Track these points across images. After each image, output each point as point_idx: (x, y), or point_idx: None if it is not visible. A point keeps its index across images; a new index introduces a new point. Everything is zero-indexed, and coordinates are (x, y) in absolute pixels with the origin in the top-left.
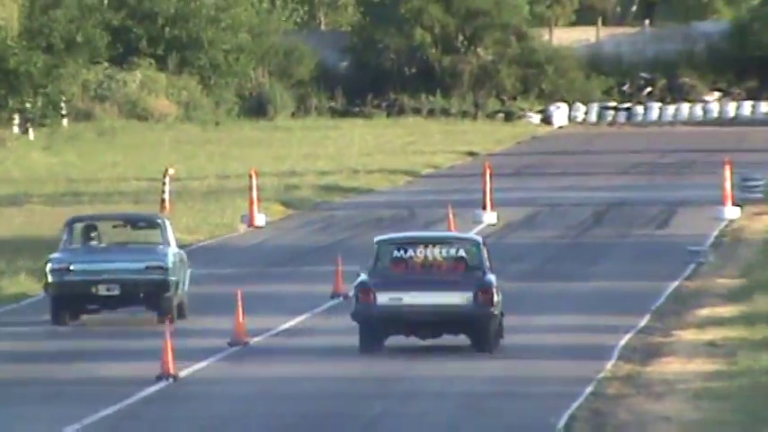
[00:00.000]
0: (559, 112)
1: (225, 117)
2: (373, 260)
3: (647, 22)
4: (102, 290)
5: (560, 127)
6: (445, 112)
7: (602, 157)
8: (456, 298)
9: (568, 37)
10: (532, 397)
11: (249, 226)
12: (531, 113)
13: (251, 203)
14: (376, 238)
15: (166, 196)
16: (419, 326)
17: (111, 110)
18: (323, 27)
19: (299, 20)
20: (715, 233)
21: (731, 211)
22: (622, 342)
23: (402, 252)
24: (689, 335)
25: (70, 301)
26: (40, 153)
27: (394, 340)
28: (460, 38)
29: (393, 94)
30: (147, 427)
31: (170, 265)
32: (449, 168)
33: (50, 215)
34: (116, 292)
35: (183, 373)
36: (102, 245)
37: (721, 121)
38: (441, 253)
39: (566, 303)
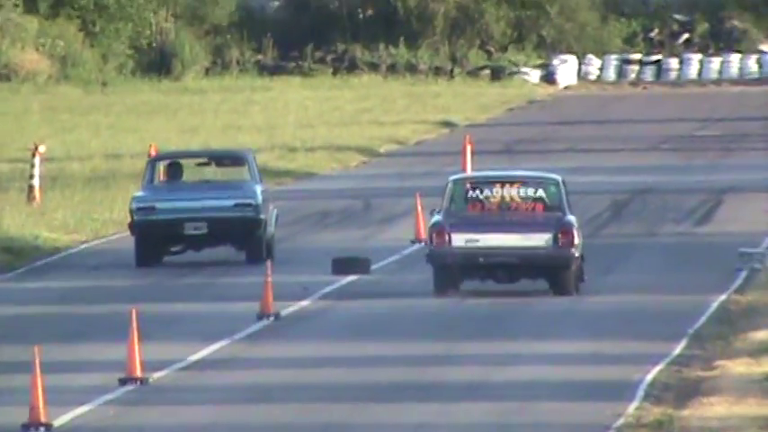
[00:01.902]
0: (565, 68)
1: (115, 76)
2: (447, 201)
3: None
4: (189, 229)
5: (567, 87)
6: (411, 69)
7: (622, 127)
8: (535, 240)
9: None
10: None
11: None
12: (527, 69)
13: None
14: (451, 177)
15: (35, 182)
16: (496, 269)
17: None
18: None
19: None
20: None
21: None
22: (649, 377)
23: (478, 192)
24: (739, 367)
25: (156, 240)
26: None
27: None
28: None
29: (342, 44)
30: None
31: (260, 201)
32: (416, 144)
33: None
34: (204, 231)
35: (56, 423)
36: (187, 182)
37: None
38: (518, 193)
39: (575, 325)
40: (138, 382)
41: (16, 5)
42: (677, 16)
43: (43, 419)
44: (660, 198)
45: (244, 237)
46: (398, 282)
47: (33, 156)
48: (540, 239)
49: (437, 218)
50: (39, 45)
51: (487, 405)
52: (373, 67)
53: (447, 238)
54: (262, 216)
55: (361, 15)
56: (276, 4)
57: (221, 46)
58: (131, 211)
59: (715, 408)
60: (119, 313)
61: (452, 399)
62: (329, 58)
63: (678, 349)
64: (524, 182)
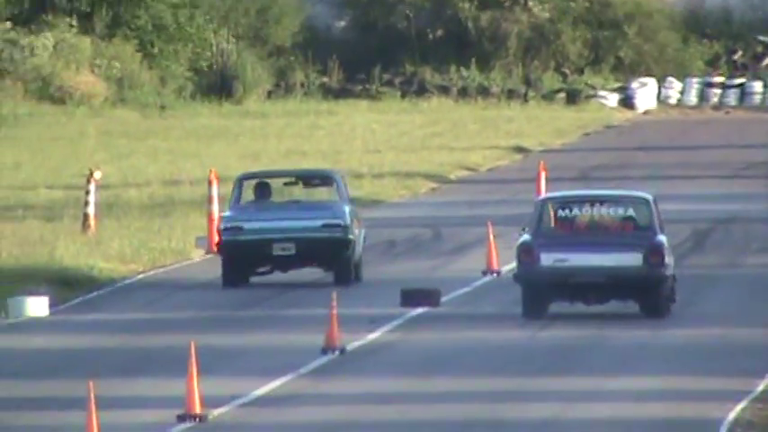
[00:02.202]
0: (645, 92)
1: (174, 99)
2: (536, 220)
3: None
4: (276, 249)
5: (646, 112)
6: (483, 92)
7: (704, 153)
8: (625, 259)
9: None
10: None
11: (208, 252)
12: (604, 93)
13: (210, 220)
14: (539, 197)
15: (90, 210)
16: (586, 289)
17: (12, 88)
18: None
19: None
20: None
21: None
22: (732, 415)
23: (567, 211)
24: None
25: (243, 261)
26: None
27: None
28: None
29: (410, 66)
30: None
31: (348, 222)
32: (488, 171)
33: None
34: (291, 252)
35: None
36: (275, 202)
37: None
38: (608, 212)
39: (654, 359)
40: (198, 419)
41: (72, 26)
42: (762, 38)
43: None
44: (744, 227)
45: (332, 258)
46: (469, 314)
47: (88, 182)
48: (630, 259)
49: (526, 237)
50: (94, 66)
51: None
52: (443, 90)
53: (536, 257)
54: (350, 237)
55: (430, 36)
56: (342, 24)
57: (284, 68)
58: (219, 231)
59: None
60: (178, 347)
61: None
62: (397, 80)
63: (762, 386)
64: (615, 200)
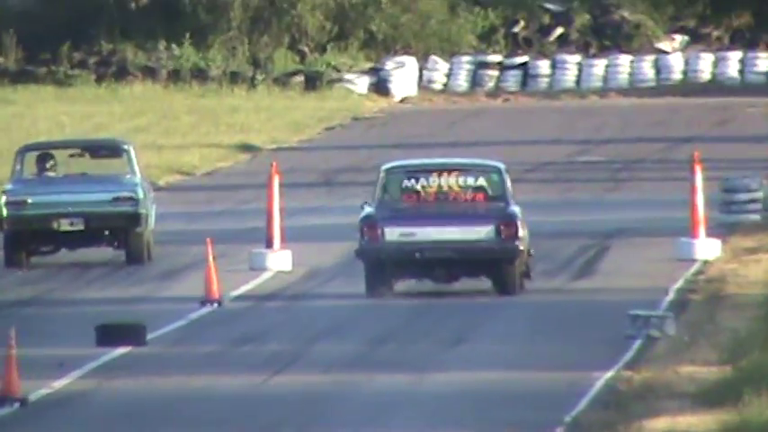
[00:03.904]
0: (402, 74)
1: None
2: (380, 191)
3: None
4: (64, 224)
5: (404, 99)
6: (200, 76)
7: (477, 152)
8: (476, 232)
9: None
10: None
11: None
12: (351, 76)
13: None
14: (383, 166)
15: None
16: (434, 266)
17: None
18: None
19: None
20: (677, 285)
21: (705, 247)
22: None
23: (413, 181)
24: None
25: (29, 237)
26: None
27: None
28: None
29: (108, 42)
30: None
31: (141, 195)
32: (207, 175)
33: None
34: (80, 227)
35: None
36: (60, 175)
37: (687, 88)
38: (457, 182)
39: (414, 412)
40: None
41: None
42: (549, 5)
43: None
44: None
45: (123, 234)
46: (183, 354)
47: None
48: (481, 232)
49: (369, 210)
50: None
51: None
52: (150, 72)
53: (380, 232)
54: (143, 211)
55: (133, 5)
56: None
57: None
58: (1, 206)
59: None
60: None
61: None
62: (92, 61)
63: None
64: (464, 169)
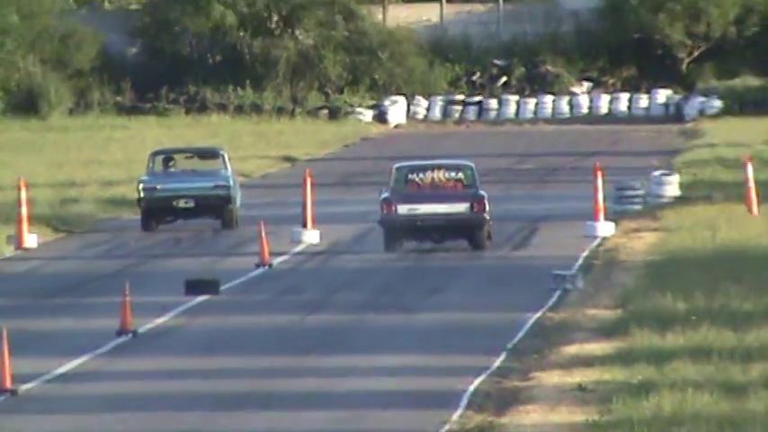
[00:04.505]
0: (396, 108)
1: None
2: (393, 182)
3: None
4: (181, 203)
5: (397, 126)
6: (257, 109)
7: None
8: (457, 208)
9: (406, 16)
10: None
11: (17, 248)
12: (361, 110)
13: (19, 222)
14: (394, 165)
15: None
16: (430, 231)
17: None
18: (107, 5)
19: None
20: (585, 254)
21: (604, 228)
22: (472, 387)
23: (415, 175)
24: (553, 378)
25: (157, 212)
26: None
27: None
28: (275, 18)
29: (193, 86)
30: None
31: (231, 184)
32: (261, 177)
33: None
34: (191, 205)
35: None
36: (178, 170)
37: (592, 119)
38: (444, 175)
39: (405, 340)
40: (9, 393)
41: None
42: (497, 61)
43: None
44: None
45: (220, 210)
46: (245, 300)
47: None
48: (460, 207)
49: (386, 194)
50: None
51: (325, 414)
52: (222, 107)
53: (394, 208)
54: (233, 194)
55: (210, 60)
56: (134, 50)
57: (84, 88)
58: (139, 191)
59: (531, 415)
60: None
61: (293, 408)
62: (182, 99)
63: (498, 362)
64: (448, 167)
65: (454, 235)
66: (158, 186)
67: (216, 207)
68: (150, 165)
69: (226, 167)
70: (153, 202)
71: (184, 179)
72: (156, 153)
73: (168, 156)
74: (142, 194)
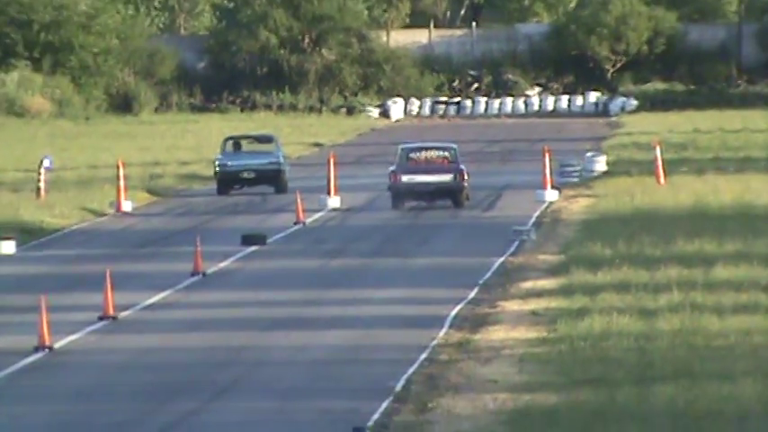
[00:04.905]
0: (396, 107)
1: (94, 113)
2: (398, 158)
3: (474, 24)
4: (245, 175)
5: (397, 120)
6: (293, 108)
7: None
8: (444, 177)
9: (404, 39)
10: (373, 363)
11: (117, 211)
12: (370, 108)
13: (118, 191)
14: (400, 146)
15: (42, 185)
16: (425, 194)
17: None
18: (182, 31)
19: (161, 25)
20: (536, 214)
21: (551, 194)
22: (453, 312)
23: (414, 153)
24: (513, 305)
25: (228, 182)
26: None
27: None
28: (306, 40)
29: (246, 91)
30: (22, 395)
31: (282, 161)
32: (297, 158)
33: None
34: (253, 176)
35: (57, 345)
36: (244, 151)
37: (541, 114)
38: (435, 153)
39: (402, 278)
40: (112, 319)
41: (27, 66)
42: (471, 72)
43: (47, 343)
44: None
45: (275, 180)
46: (286, 249)
47: (39, 167)
48: (447, 177)
49: (393, 168)
50: (43, 93)
51: (345, 332)
52: (267, 106)
53: (399, 177)
54: (284, 168)
55: (259, 72)
56: (203, 64)
57: (166, 93)
58: (216, 166)
59: (497, 333)
60: (98, 272)
61: (321, 328)
62: (238, 100)
63: (472, 294)
64: (438, 148)
65: (442, 197)
66: (229, 163)
67: (271, 177)
68: (223, 147)
69: (278, 149)
70: (225, 174)
71: (248, 157)
72: (227, 139)
73: (236, 140)
74: (218, 169)
